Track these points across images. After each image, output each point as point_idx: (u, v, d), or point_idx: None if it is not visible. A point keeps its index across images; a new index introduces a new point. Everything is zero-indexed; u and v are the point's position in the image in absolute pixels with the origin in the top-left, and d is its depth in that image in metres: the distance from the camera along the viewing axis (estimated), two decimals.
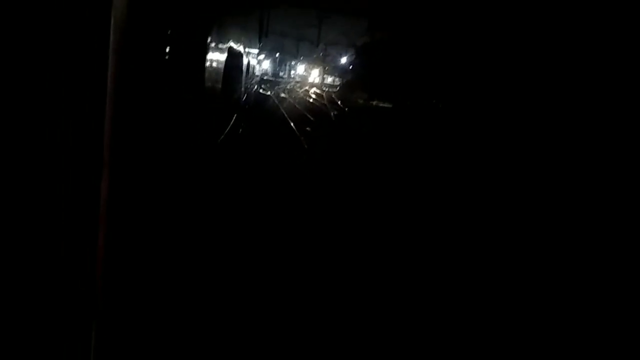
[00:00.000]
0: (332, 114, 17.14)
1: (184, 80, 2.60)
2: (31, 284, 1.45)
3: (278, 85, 29.35)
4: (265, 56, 39.15)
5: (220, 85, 5.20)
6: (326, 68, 40.98)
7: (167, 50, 2.17)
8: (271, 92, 22.35)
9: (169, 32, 2.20)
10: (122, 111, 1.63)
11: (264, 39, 25.39)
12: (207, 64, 3.31)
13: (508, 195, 6.62)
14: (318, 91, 28.09)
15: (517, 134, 9.27)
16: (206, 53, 3.17)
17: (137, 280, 2.04)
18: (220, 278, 3.23)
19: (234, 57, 6.81)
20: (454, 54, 13.29)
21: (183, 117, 2.66)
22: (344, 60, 39.18)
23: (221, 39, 4.35)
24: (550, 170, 7.46)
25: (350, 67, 35.95)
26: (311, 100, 21.59)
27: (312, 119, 14.04)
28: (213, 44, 3.57)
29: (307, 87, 30.69)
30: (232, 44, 6.09)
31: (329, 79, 40.72)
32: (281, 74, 43.85)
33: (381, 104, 19.93)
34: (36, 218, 1.40)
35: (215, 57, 3.83)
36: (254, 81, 17.18)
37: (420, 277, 3.75)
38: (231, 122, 6.64)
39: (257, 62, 20.00)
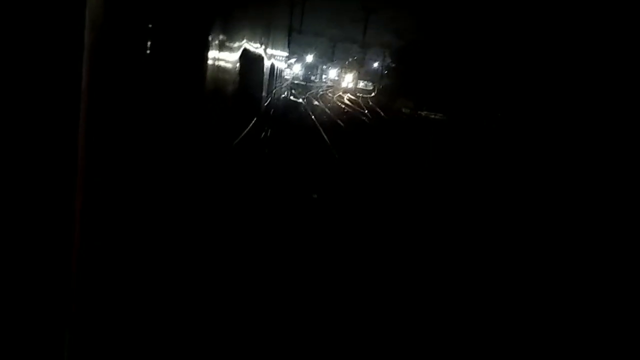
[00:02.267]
0: (366, 120, 16.18)
1: (172, 81, 2.07)
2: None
3: (310, 90, 28.58)
4: (297, 59, 38.36)
5: (233, 89, 4.44)
6: (360, 72, 39.88)
7: (149, 46, 1.69)
8: (302, 99, 21.47)
9: (150, 26, 1.71)
10: (98, 113, 1.35)
11: (295, 37, 24.09)
12: (210, 64, 2.58)
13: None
14: (352, 97, 27.27)
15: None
16: (206, 51, 2.44)
17: (118, 280, 1.68)
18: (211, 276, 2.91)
19: (253, 59, 6.07)
20: (523, 58, 11.98)
21: (173, 118, 2.15)
22: (381, 63, 37.96)
23: (233, 37, 3.57)
24: None
25: (386, 72, 34.80)
26: (344, 107, 20.73)
27: (343, 126, 13.18)
28: (217, 42, 2.81)
29: (340, 93, 29.89)
30: (250, 44, 5.31)
31: (361, 84, 39.57)
32: (312, 77, 43.01)
33: (432, 116, 18.54)
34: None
35: (224, 57, 3.09)
36: (284, 85, 16.41)
37: None
38: (248, 127, 5.95)
39: (287, 65, 19.05)
